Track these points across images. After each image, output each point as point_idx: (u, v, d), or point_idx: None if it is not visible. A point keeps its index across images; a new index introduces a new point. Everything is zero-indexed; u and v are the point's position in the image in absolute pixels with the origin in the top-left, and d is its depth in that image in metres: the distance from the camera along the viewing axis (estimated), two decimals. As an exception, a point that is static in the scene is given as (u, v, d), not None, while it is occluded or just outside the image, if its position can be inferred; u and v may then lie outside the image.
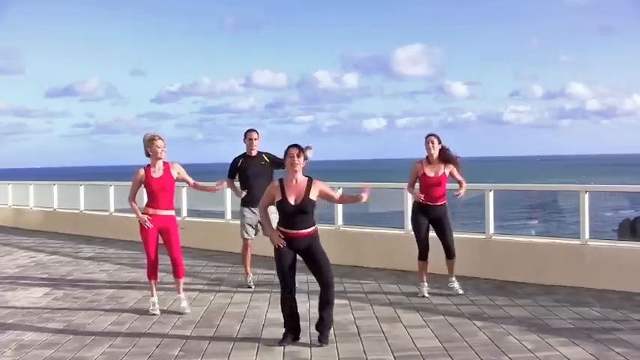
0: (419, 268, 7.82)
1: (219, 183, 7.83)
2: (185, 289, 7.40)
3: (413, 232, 7.87)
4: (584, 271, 8.05)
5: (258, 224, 8.37)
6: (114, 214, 14.27)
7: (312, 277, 6.09)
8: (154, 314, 6.97)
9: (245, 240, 8.45)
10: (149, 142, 6.97)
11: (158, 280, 7.30)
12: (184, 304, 7.14)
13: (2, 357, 5.61)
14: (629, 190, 10.99)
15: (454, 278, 7.83)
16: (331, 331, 6.17)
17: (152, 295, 7.18)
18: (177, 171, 7.12)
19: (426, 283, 7.75)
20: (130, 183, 7.21)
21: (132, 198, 7.15)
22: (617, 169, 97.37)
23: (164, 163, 7.06)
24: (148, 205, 7.11)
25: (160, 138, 7.00)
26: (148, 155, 7.07)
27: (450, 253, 7.80)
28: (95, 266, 10.43)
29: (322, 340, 5.77)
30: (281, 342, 5.80)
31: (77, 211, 15.13)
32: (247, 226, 8.39)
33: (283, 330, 5.89)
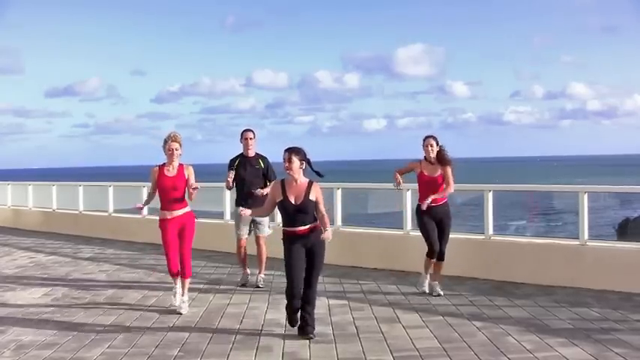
0: (425, 264, 7.80)
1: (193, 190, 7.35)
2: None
3: (421, 234, 7.79)
4: (584, 271, 8.05)
5: (252, 224, 8.40)
6: (113, 214, 14.27)
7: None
8: (179, 313, 6.99)
9: (238, 239, 8.47)
10: (164, 143, 7.11)
11: (190, 277, 7.29)
12: (183, 304, 7.13)
13: (1, 357, 5.60)
14: (629, 191, 10.97)
15: (437, 282, 7.74)
16: (330, 331, 6.19)
17: (182, 294, 7.19)
18: (188, 173, 7.16)
19: (428, 277, 7.79)
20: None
21: (151, 193, 7.32)
22: (618, 169, 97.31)
23: (180, 164, 7.17)
24: (162, 208, 7.18)
25: (174, 140, 7.08)
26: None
27: (440, 256, 7.74)
28: (94, 267, 10.42)
29: (308, 334, 5.91)
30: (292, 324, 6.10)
31: (76, 212, 15.13)
32: (241, 225, 8.41)
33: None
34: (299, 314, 6.03)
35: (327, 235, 5.77)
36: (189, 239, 7.19)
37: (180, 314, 6.98)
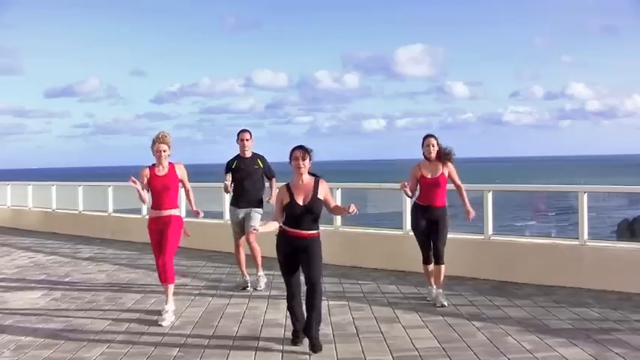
0: (425, 272, 7.55)
1: (197, 213, 7.36)
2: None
3: (415, 237, 7.56)
4: (583, 271, 8.05)
5: (244, 220, 8.29)
6: (112, 214, 14.26)
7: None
8: (160, 325, 6.58)
9: (235, 239, 8.43)
10: (153, 144, 6.94)
11: (173, 283, 7.03)
12: (166, 315, 6.70)
13: (1, 357, 5.60)
14: (629, 191, 10.98)
15: (441, 290, 7.37)
16: (330, 331, 6.18)
17: (166, 303, 6.89)
18: (180, 172, 7.05)
19: (434, 288, 7.47)
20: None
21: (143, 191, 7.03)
22: (619, 169, 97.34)
23: (169, 163, 7.04)
24: (152, 207, 7.04)
25: (162, 141, 6.91)
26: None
27: (438, 258, 7.39)
28: (94, 267, 10.42)
29: (314, 349, 5.59)
30: (294, 341, 5.80)
31: (76, 212, 15.12)
32: (234, 224, 8.36)
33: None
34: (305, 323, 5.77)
35: (354, 207, 5.54)
36: (170, 241, 6.86)
37: (162, 326, 6.52)
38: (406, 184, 7.32)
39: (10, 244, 13.49)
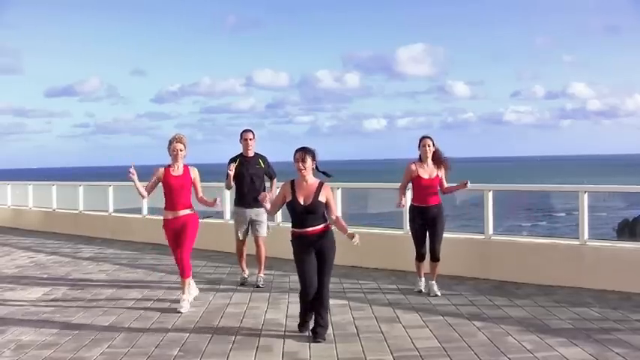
0: (416, 267, 7.91)
1: (214, 201, 7.37)
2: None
3: (410, 234, 7.91)
4: (584, 271, 8.05)
5: (250, 224, 8.39)
6: (113, 214, 14.27)
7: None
8: (179, 312, 7.01)
9: (237, 239, 8.47)
10: (169, 144, 7.21)
11: (189, 277, 7.30)
12: (183, 302, 7.14)
13: (1, 357, 5.60)
14: (629, 190, 10.96)
15: (434, 281, 7.78)
16: (330, 331, 6.18)
17: (183, 293, 7.24)
18: (194, 174, 7.31)
19: (423, 279, 7.85)
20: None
21: (146, 189, 7.32)
22: (620, 169, 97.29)
23: (184, 165, 7.27)
24: (166, 207, 7.25)
25: (179, 141, 7.19)
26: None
27: (434, 256, 7.77)
28: (94, 266, 10.42)
29: (318, 338, 5.86)
30: (300, 327, 6.10)
31: (76, 212, 15.13)
32: (240, 226, 8.41)
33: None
34: (312, 318, 6.05)
35: (357, 238, 5.76)
36: (189, 239, 7.21)
37: (181, 313, 6.98)
38: (402, 202, 7.72)
39: (10, 243, 13.49)
